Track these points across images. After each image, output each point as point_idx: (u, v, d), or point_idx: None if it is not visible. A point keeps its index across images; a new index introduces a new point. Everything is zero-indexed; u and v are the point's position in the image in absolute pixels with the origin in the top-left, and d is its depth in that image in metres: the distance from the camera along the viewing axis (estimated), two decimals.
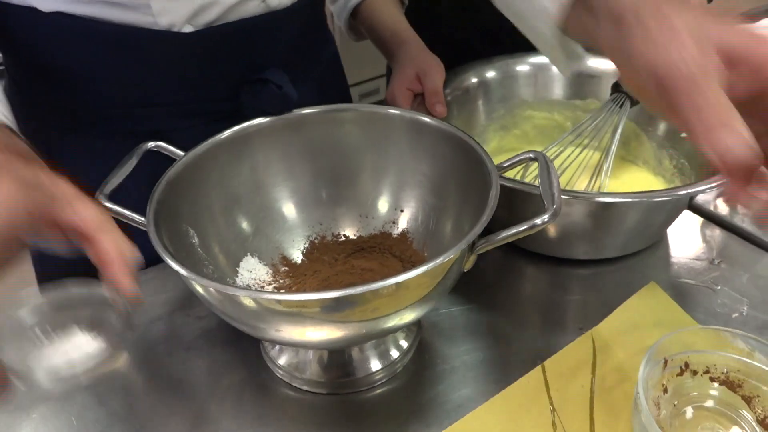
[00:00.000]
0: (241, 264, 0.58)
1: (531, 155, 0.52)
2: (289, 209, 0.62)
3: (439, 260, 0.42)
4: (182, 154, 0.56)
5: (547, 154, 0.70)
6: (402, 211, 0.62)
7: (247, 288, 0.55)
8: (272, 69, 0.65)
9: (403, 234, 0.61)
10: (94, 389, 0.55)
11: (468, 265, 0.48)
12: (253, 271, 0.58)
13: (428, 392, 0.54)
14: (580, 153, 0.72)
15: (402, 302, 0.44)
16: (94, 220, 0.39)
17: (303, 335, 0.45)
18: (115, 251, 0.38)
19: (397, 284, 0.41)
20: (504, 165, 0.53)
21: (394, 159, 0.61)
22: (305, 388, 0.55)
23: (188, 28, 0.60)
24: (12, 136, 0.45)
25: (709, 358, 0.49)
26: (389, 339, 0.57)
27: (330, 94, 0.77)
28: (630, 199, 0.55)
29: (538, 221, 0.45)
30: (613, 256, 0.67)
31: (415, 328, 0.59)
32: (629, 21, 0.40)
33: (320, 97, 0.72)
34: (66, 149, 0.66)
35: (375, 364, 0.56)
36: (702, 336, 0.49)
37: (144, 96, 0.63)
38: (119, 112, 0.64)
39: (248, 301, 0.42)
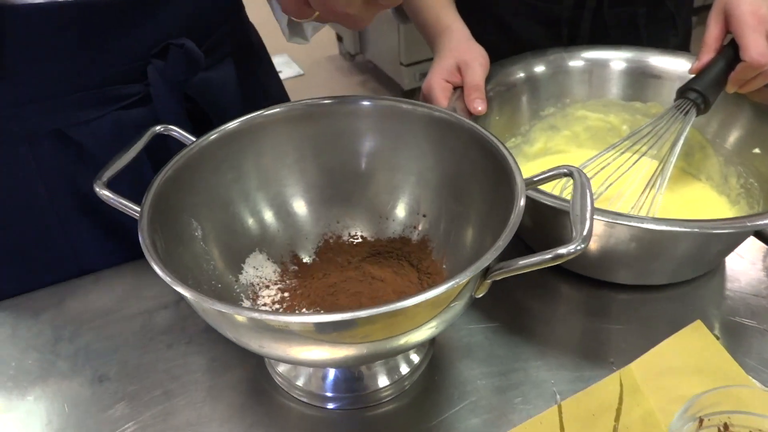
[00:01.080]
0: (248, 260, 0.55)
1: (565, 170, 0.46)
2: (302, 206, 0.58)
3: (440, 289, 0.37)
4: (193, 139, 0.52)
5: (600, 160, 0.64)
6: (424, 216, 0.57)
7: (221, 301, 0.50)
8: (182, 35, 0.60)
9: (424, 241, 0.56)
10: (88, 375, 0.54)
11: (480, 292, 0.43)
12: (259, 268, 0.55)
13: (435, 417, 0.50)
14: (635, 161, 0.65)
15: (398, 329, 0.40)
16: None
17: (285, 353, 0.41)
18: None
19: (392, 312, 0.37)
20: (535, 179, 0.47)
21: (416, 159, 0.56)
22: (304, 399, 0.52)
23: None
24: None
25: (754, 422, 0.43)
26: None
27: (252, 82, 0.71)
28: (680, 228, 0.48)
29: (563, 251, 0.39)
30: (659, 284, 0.60)
31: (428, 343, 0.55)
32: None
33: (241, 80, 0.68)
34: None
35: (382, 380, 0.52)
36: (752, 397, 0.43)
37: (40, 86, 0.56)
38: (17, 108, 0.56)
39: (219, 313, 0.39)
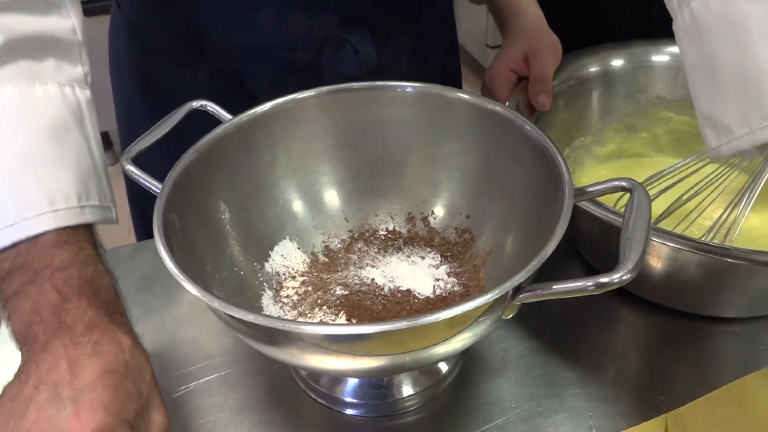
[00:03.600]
0: (276, 248, 0.52)
1: (624, 184, 0.40)
2: (336, 195, 0.55)
3: (456, 310, 0.33)
4: (230, 117, 0.50)
5: (681, 169, 0.57)
6: (467, 217, 0.52)
7: (239, 291, 0.48)
8: (356, 27, 0.60)
9: (464, 244, 0.52)
10: None
11: (509, 314, 0.38)
12: (287, 257, 0.52)
13: None
14: (722, 172, 0.57)
15: (410, 346, 0.36)
16: None
17: (290, 358, 0.39)
18: None
19: (401, 330, 0.33)
20: (588, 190, 0.41)
21: (461, 154, 0.52)
22: (322, 401, 0.49)
23: None
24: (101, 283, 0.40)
25: None
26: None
27: (429, 56, 0.70)
28: (758, 259, 0.41)
29: (605, 280, 0.34)
30: (731, 316, 0.53)
31: (458, 355, 0.51)
32: None
33: (416, 58, 0.66)
34: (169, 80, 0.66)
35: (406, 389, 0.49)
36: None
37: (227, 36, 0.61)
38: (213, 48, 0.63)
39: (221, 313, 0.37)
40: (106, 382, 0.34)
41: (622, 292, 0.56)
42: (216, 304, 0.35)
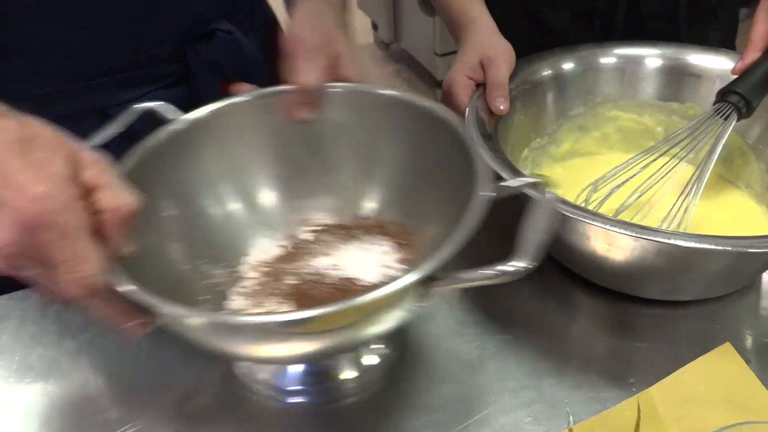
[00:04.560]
0: (220, 249, 0.53)
1: (534, 180, 0.42)
2: (270, 195, 0.56)
3: (364, 298, 0.36)
4: (173, 118, 0.52)
5: (633, 164, 0.60)
6: (403, 210, 0.54)
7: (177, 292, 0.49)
8: (216, 20, 0.61)
9: (396, 233, 0.54)
10: (89, 372, 0.53)
11: (426, 301, 0.40)
12: (234, 258, 0.53)
13: None
14: (672, 167, 0.61)
15: (322, 331, 0.39)
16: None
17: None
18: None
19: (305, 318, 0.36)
20: (507, 185, 0.44)
21: (390, 148, 0.54)
22: (266, 393, 0.51)
23: None
24: None
25: None
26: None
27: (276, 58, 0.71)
28: (712, 246, 0.45)
29: (506, 268, 0.37)
30: (688, 300, 0.56)
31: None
32: None
33: (266, 54, 0.68)
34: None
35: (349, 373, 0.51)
36: None
37: (82, 68, 0.58)
38: (59, 89, 0.58)
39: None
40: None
41: (586, 283, 0.58)
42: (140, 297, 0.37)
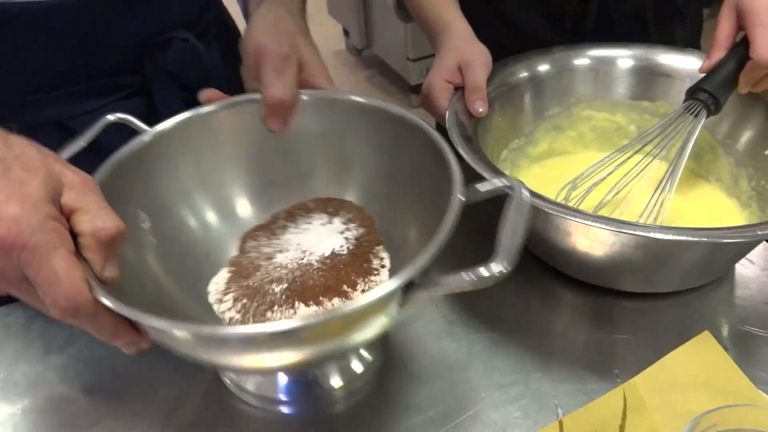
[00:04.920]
0: (200, 263, 0.53)
1: (507, 183, 0.43)
2: (245, 205, 0.56)
3: (349, 308, 0.36)
4: (147, 129, 0.52)
5: (609, 162, 0.62)
6: (373, 216, 0.55)
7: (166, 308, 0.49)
8: (174, 30, 0.61)
9: (370, 240, 0.54)
10: (77, 386, 0.53)
11: (408, 307, 0.40)
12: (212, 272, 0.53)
13: None
14: (645, 163, 0.62)
15: (318, 340, 0.39)
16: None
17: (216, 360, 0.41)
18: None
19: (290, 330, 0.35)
20: (481, 189, 0.44)
21: (362, 155, 0.55)
22: (254, 403, 0.51)
23: None
24: None
25: None
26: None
27: (237, 66, 0.72)
28: (689, 238, 0.46)
29: (485, 273, 0.36)
30: (666, 291, 0.58)
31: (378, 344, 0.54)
32: None
33: (226, 62, 0.68)
34: None
35: (335, 381, 0.51)
36: (760, 415, 0.41)
37: (38, 80, 0.58)
38: (15, 100, 0.57)
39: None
40: None
41: (567, 279, 0.60)
42: (132, 314, 0.36)
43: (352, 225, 0.54)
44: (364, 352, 0.53)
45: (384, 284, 0.36)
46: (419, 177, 0.51)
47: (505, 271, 0.36)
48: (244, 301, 0.49)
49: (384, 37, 2.33)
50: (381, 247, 0.53)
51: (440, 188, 0.46)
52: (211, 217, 0.55)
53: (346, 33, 2.58)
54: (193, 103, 0.66)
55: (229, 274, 0.52)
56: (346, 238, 0.53)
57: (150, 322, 0.36)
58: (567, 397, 0.50)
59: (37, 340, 0.57)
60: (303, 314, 0.47)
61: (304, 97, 0.54)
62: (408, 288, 0.38)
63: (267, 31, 0.54)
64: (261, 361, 0.40)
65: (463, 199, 0.42)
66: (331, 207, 0.56)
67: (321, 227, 0.54)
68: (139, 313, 0.36)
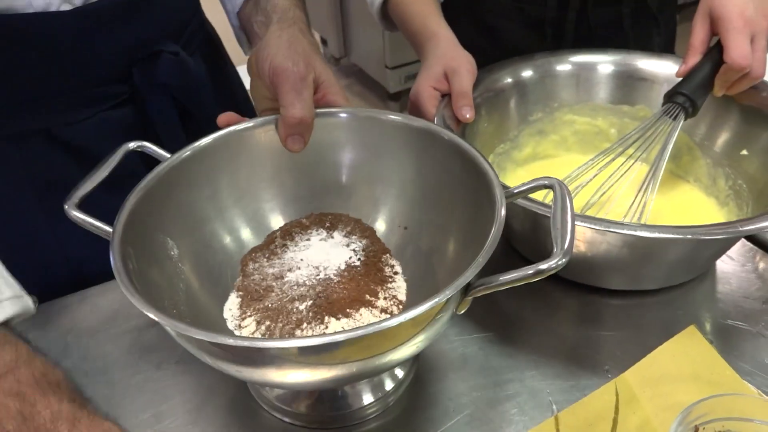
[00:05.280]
0: (231, 280, 0.53)
1: (546, 182, 0.45)
2: (280, 221, 0.57)
3: (419, 309, 0.37)
4: (167, 156, 0.51)
5: (592, 165, 0.64)
6: (405, 228, 0.56)
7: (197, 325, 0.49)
8: (162, 41, 0.62)
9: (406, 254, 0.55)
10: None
11: (462, 308, 0.42)
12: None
13: (431, 431, 0.50)
14: (627, 165, 0.64)
15: (377, 349, 0.39)
16: None
17: (262, 377, 0.41)
18: None
19: (370, 334, 0.36)
20: (515, 191, 0.46)
21: (396, 170, 0.55)
22: (287, 420, 0.51)
23: (66, 6, 0.56)
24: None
25: (749, 428, 0.42)
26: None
27: (220, 77, 0.74)
28: (673, 235, 0.48)
29: (544, 267, 0.39)
30: (651, 288, 0.60)
31: (413, 358, 0.54)
32: None
33: (210, 74, 0.70)
34: None
35: (366, 398, 0.51)
36: (746, 404, 0.42)
37: (26, 89, 0.58)
38: (2, 109, 0.58)
39: (189, 337, 0.38)
40: None
41: (556, 279, 0.61)
42: (187, 331, 0.37)
43: (354, 237, 0.55)
44: None
45: (460, 279, 0.38)
46: (449, 186, 0.52)
47: (564, 263, 0.39)
48: (268, 323, 0.49)
49: (362, 46, 2.35)
50: (388, 255, 0.54)
51: (472, 194, 0.48)
52: (246, 234, 0.55)
53: (323, 42, 2.60)
54: (186, 116, 0.67)
55: (239, 299, 0.51)
56: (354, 250, 0.53)
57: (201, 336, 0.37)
58: (561, 393, 0.51)
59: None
60: (364, 322, 0.48)
61: (342, 116, 0.55)
62: (467, 289, 0.40)
63: (283, 51, 0.53)
64: (326, 373, 0.41)
65: (504, 200, 0.44)
66: (327, 222, 0.56)
67: (322, 242, 0.54)
68: (194, 329, 0.37)
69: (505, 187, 0.46)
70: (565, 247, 0.40)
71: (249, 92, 0.61)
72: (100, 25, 0.58)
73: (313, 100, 0.53)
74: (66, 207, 0.47)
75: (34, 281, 0.61)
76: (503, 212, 0.44)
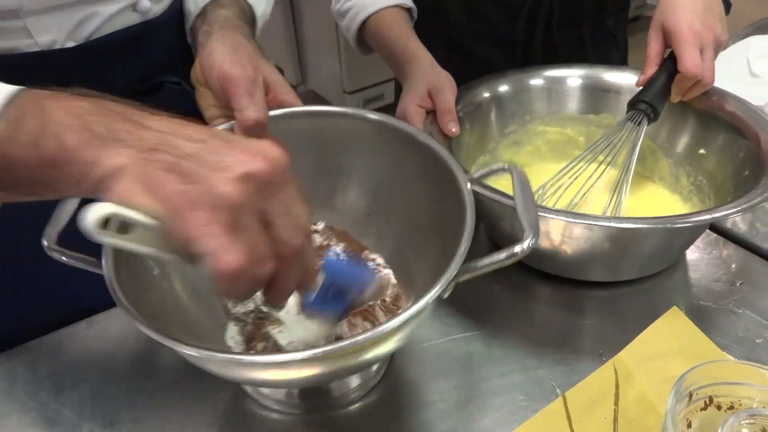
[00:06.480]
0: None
1: (503, 166, 0.50)
2: None
3: (420, 304, 0.40)
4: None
5: (567, 171, 0.70)
6: (369, 215, 0.59)
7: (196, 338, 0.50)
8: (163, 74, 0.65)
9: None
10: (98, 421, 0.54)
11: (446, 293, 0.44)
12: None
13: (445, 422, 0.53)
14: (598, 170, 0.70)
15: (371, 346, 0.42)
16: None
17: (253, 380, 0.45)
18: None
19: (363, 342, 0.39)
20: (476, 176, 0.51)
21: (363, 164, 0.58)
22: (275, 407, 0.54)
23: (71, 43, 0.57)
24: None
25: (734, 391, 0.48)
26: None
27: None
28: (653, 225, 0.54)
29: (517, 250, 0.42)
30: (630, 278, 0.65)
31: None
32: None
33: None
34: None
35: (353, 380, 0.54)
36: (729, 369, 0.48)
37: None
38: None
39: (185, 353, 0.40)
40: None
41: (541, 274, 0.66)
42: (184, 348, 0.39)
43: (332, 242, 0.58)
44: None
45: (446, 272, 0.41)
46: (412, 174, 0.55)
47: (534, 242, 0.42)
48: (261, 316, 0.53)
49: (318, 72, 2.40)
50: (367, 251, 0.58)
51: (441, 180, 0.51)
52: None
53: (279, 70, 2.63)
54: None
55: (237, 327, 0.54)
56: (336, 253, 0.57)
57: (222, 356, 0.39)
58: (562, 378, 0.56)
59: (47, 380, 0.58)
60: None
61: (371, 116, 0.56)
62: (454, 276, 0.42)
63: (229, 56, 0.54)
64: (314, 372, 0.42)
65: (471, 188, 0.48)
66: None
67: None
68: (200, 349, 0.39)
69: (465, 172, 0.49)
70: (534, 229, 0.43)
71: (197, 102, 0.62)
72: (105, 60, 0.60)
73: (265, 102, 0.54)
74: (45, 245, 0.46)
75: (41, 325, 0.62)
76: (471, 197, 0.46)
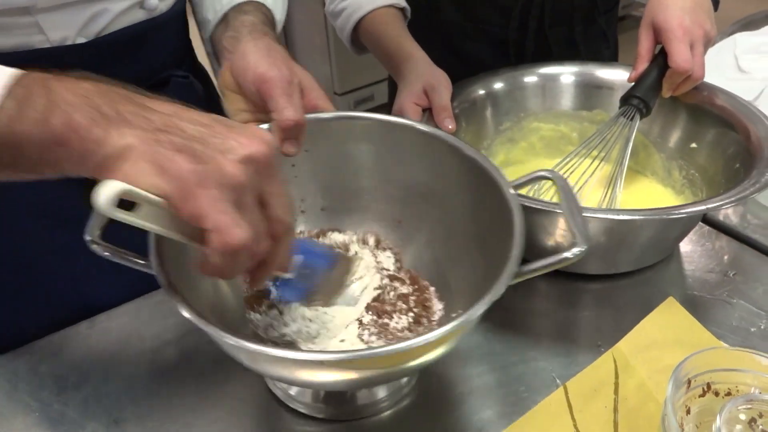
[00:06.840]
0: None
1: (545, 173, 0.50)
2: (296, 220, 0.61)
3: (463, 318, 0.41)
4: None
5: (562, 167, 0.71)
6: (400, 222, 0.60)
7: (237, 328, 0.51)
8: (170, 67, 0.65)
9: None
10: (103, 420, 0.54)
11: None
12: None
13: (448, 413, 0.54)
14: (592, 166, 0.71)
15: (411, 358, 0.43)
16: None
17: (291, 378, 0.45)
18: None
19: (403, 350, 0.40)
20: (517, 183, 0.51)
21: (406, 172, 0.59)
22: (304, 411, 0.54)
23: (81, 39, 0.58)
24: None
25: (730, 377, 0.49)
26: None
27: (211, 101, 0.77)
28: (648, 216, 0.55)
29: (570, 255, 0.43)
30: (625, 271, 0.66)
31: None
32: None
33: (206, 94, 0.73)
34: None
35: (381, 390, 0.54)
36: (725, 356, 0.49)
37: None
38: None
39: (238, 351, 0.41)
40: None
41: None
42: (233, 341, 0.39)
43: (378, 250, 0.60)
44: None
45: (503, 274, 0.42)
46: (458, 186, 0.55)
47: (585, 250, 0.43)
48: None
49: (310, 73, 2.39)
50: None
51: (474, 193, 0.52)
52: None
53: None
54: None
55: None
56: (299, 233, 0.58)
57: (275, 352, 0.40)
58: (562, 370, 0.57)
59: (49, 380, 0.58)
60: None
61: (421, 128, 0.57)
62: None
63: (264, 59, 0.55)
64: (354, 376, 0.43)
65: (516, 193, 0.48)
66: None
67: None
68: (239, 338, 0.39)
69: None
70: (585, 236, 0.44)
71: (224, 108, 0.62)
72: (114, 55, 0.60)
73: (302, 104, 0.55)
74: (87, 239, 0.47)
75: (47, 324, 0.62)
76: (518, 204, 0.47)
